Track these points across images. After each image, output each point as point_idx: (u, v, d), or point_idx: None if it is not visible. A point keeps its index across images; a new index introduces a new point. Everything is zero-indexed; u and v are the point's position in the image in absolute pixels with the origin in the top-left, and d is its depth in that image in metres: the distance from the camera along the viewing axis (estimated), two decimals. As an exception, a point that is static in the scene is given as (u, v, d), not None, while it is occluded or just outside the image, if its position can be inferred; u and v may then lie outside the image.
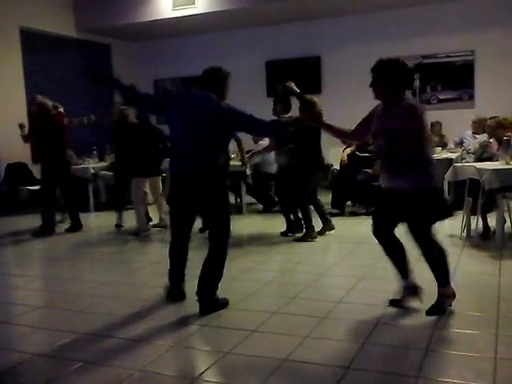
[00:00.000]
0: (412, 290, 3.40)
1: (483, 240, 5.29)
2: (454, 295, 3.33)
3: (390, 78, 3.23)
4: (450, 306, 3.32)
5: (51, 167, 6.59)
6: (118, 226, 6.83)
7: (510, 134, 5.47)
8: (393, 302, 3.44)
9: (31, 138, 6.95)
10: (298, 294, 3.82)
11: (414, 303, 3.39)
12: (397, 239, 3.41)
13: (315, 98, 5.55)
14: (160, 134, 6.37)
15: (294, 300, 3.71)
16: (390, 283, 3.74)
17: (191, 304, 3.64)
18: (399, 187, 3.24)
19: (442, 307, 3.29)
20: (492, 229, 5.37)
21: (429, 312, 3.28)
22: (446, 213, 3.37)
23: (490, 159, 5.77)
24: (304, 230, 5.76)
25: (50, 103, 6.72)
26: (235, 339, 3.01)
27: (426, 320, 3.22)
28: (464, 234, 5.49)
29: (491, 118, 7.21)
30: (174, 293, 3.71)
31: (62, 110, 7.02)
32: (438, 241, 3.32)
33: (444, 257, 3.30)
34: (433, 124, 8.76)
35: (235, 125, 3.65)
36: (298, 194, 5.76)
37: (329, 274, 4.48)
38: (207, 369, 2.69)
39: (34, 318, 3.64)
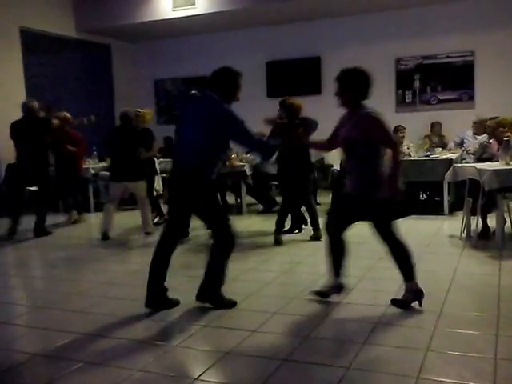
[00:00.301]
0: (338, 288, 3.63)
1: (482, 240, 5.29)
2: (420, 292, 3.41)
3: (352, 87, 3.41)
4: (421, 304, 3.40)
5: (30, 168, 6.63)
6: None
7: (509, 134, 5.47)
8: (317, 293, 3.64)
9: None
10: (298, 295, 3.82)
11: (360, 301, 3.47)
12: (343, 240, 3.58)
13: (298, 101, 5.59)
14: (143, 138, 6.35)
15: (294, 300, 3.71)
16: (390, 283, 3.74)
17: (190, 305, 3.65)
18: (354, 190, 3.44)
19: (407, 301, 3.41)
20: (492, 229, 5.37)
21: (394, 302, 3.45)
22: (401, 212, 3.55)
23: (489, 159, 5.78)
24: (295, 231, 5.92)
25: (36, 105, 6.74)
26: (235, 339, 3.01)
27: (426, 320, 3.22)
28: (464, 235, 5.49)
29: (491, 118, 7.22)
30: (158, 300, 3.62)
31: (66, 115, 7.12)
32: (401, 239, 3.43)
33: (407, 253, 3.42)
34: (433, 124, 8.77)
35: (226, 132, 3.51)
36: (301, 195, 5.82)
37: (328, 274, 4.47)
38: (207, 369, 2.69)
39: (33, 319, 3.65)
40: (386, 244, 3.44)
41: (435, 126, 8.70)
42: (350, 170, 3.48)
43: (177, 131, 3.79)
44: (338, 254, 3.60)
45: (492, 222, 5.31)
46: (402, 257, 3.43)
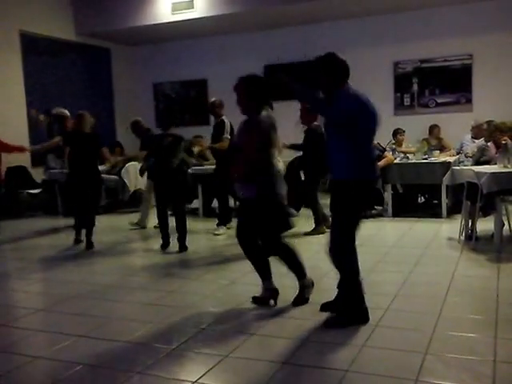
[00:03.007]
0: (270, 291, 3.66)
1: (468, 241, 5.34)
2: (273, 290, 3.65)
3: (247, 93, 3.51)
4: (275, 302, 3.62)
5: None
6: None
7: (507, 137, 5.49)
8: (255, 299, 3.69)
9: None
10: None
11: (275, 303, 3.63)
12: (257, 245, 3.61)
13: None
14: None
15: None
16: (388, 286, 3.75)
17: (189, 308, 3.66)
18: (244, 196, 3.58)
19: (304, 297, 3.63)
20: (491, 232, 5.38)
21: (294, 303, 3.60)
22: (283, 226, 3.60)
23: (488, 163, 5.79)
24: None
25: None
26: (234, 342, 3.01)
27: (425, 323, 3.23)
28: (462, 238, 5.50)
29: (487, 121, 7.24)
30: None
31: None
32: (285, 241, 3.61)
33: (294, 254, 3.62)
34: (431, 127, 8.77)
35: None
36: (306, 194, 6.15)
37: (327, 276, 4.48)
38: (206, 372, 2.69)
39: (33, 321, 3.65)
40: (271, 251, 3.62)
41: (434, 129, 8.72)
42: (242, 177, 3.56)
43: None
44: (255, 258, 3.66)
45: (490, 224, 5.33)
46: (290, 259, 3.62)
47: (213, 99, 6.71)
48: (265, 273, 3.67)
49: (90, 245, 5.94)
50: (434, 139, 8.52)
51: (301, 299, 3.62)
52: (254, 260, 3.67)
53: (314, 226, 6.18)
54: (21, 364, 2.88)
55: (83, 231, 6.08)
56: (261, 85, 3.54)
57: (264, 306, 3.63)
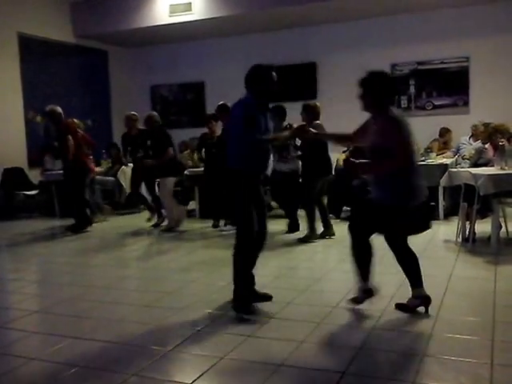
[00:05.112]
0: (368, 292, 3.52)
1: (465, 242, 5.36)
2: (427, 298, 3.41)
3: (375, 90, 3.31)
4: (427, 310, 3.39)
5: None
6: None
7: (504, 139, 5.50)
8: (398, 306, 3.50)
9: None
10: (293, 299, 3.81)
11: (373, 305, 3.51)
12: (368, 243, 3.50)
13: (314, 103, 6.11)
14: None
15: (289, 305, 3.70)
16: (385, 288, 3.74)
17: (186, 310, 3.64)
18: (377, 199, 3.39)
19: (411, 306, 3.42)
20: (488, 234, 5.38)
21: (398, 307, 3.46)
22: (421, 227, 3.51)
23: (485, 165, 5.79)
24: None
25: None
26: (230, 344, 3.00)
27: (423, 325, 3.22)
28: (460, 240, 5.50)
29: (484, 124, 7.25)
30: None
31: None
32: (410, 248, 3.44)
33: (416, 263, 3.44)
34: (443, 130, 8.67)
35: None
36: (303, 197, 6.02)
37: (324, 278, 4.48)
38: (202, 374, 2.68)
39: (29, 323, 3.63)
40: (395, 254, 3.45)
41: (445, 133, 8.65)
42: (378, 179, 3.38)
43: None
44: (363, 257, 3.50)
45: (487, 226, 5.33)
46: (411, 266, 3.43)
47: (221, 103, 6.62)
48: (366, 273, 3.51)
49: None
50: (442, 143, 8.51)
51: (408, 308, 3.43)
52: (360, 257, 3.51)
53: (307, 230, 5.96)
54: (16, 366, 2.86)
55: None
56: (392, 81, 3.42)
57: (358, 304, 3.54)
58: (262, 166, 3.71)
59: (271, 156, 3.83)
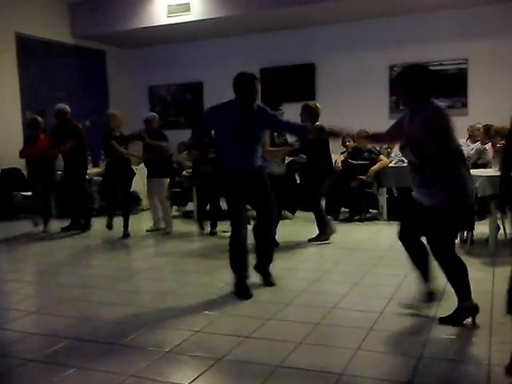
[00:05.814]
0: (429, 295, 3.38)
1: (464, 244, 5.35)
2: (476, 308, 3.21)
3: (418, 82, 3.20)
4: (474, 321, 3.20)
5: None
6: None
7: (503, 141, 5.51)
8: (443, 320, 3.26)
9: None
10: (291, 301, 3.81)
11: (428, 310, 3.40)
12: (422, 245, 3.32)
13: (314, 104, 6.01)
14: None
15: (287, 306, 3.70)
16: (383, 289, 3.74)
17: (184, 311, 3.64)
18: (422, 200, 3.21)
19: (456, 318, 3.21)
20: (486, 236, 5.39)
21: (442, 320, 3.23)
22: (466, 226, 3.39)
23: (485, 166, 5.80)
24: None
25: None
26: (229, 345, 3.00)
27: (420, 327, 3.22)
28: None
29: (485, 126, 7.27)
30: None
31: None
32: (458, 257, 3.24)
33: (466, 272, 3.20)
34: None
35: None
36: (310, 199, 5.95)
37: (322, 280, 4.48)
38: (200, 375, 2.67)
39: (27, 324, 3.62)
40: (438, 260, 3.22)
41: None
42: (421, 179, 3.16)
43: None
44: (420, 259, 3.36)
45: (485, 228, 5.33)
46: (456, 275, 3.21)
47: None
48: (427, 275, 3.38)
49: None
50: None
51: (452, 319, 3.21)
52: (420, 261, 3.35)
53: (317, 232, 5.89)
54: (13, 366, 2.86)
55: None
56: (432, 72, 3.32)
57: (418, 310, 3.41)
58: (235, 165, 3.84)
59: (255, 156, 3.92)
